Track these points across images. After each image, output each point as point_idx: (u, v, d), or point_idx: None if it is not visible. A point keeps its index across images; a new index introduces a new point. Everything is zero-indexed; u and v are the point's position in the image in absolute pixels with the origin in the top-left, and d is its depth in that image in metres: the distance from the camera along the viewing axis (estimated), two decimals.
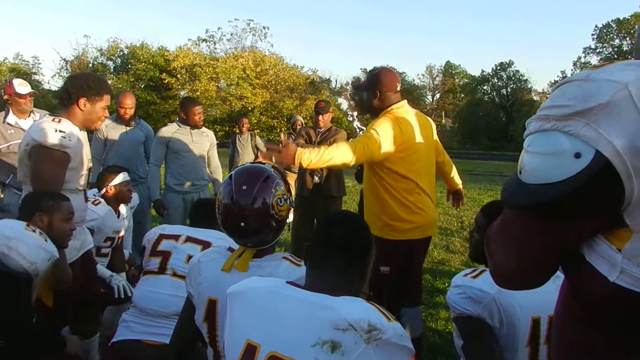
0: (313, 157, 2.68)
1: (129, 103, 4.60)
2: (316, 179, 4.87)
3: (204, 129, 4.68)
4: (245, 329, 1.30)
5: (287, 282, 1.36)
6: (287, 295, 1.31)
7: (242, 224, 1.59)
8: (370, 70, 3.16)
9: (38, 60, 41.47)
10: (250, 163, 1.84)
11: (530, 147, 0.80)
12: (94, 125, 2.76)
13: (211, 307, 1.62)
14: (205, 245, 2.46)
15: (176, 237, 2.52)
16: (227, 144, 8.31)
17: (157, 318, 2.39)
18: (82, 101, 2.63)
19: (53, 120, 2.55)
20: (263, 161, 1.88)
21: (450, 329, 3.68)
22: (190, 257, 2.41)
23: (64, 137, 2.51)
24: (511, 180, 0.84)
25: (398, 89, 3.02)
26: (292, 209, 1.77)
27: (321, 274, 1.37)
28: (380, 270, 2.96)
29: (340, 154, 2.72)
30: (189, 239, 2.51)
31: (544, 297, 1.67)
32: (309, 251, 1.42)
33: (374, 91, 2.95)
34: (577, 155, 0.73)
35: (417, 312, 3.13)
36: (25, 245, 2.11)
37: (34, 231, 2.20)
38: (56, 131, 2.49)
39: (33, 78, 38.68)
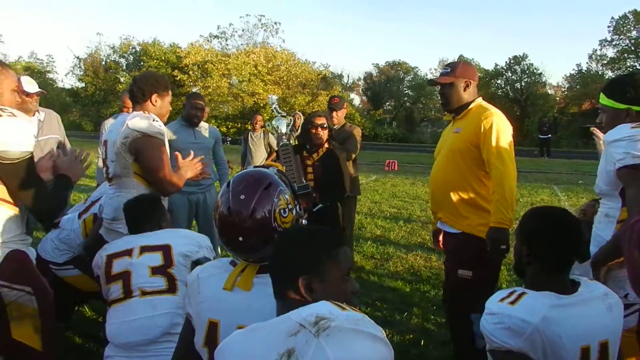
0: (506, 214, 2.58)
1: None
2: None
3: (206, 125, 4.58)
4: None
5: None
6: (256, 328, 1.17)
7: (241, 239, 1.41)
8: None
9: (52, 58, 41.67)
10: (254, 167, 1.65)
11: None
12: (163, 118, 2.88)
13: (212, 329, 1.44)
14: (164, 249, 2.27)
15: (128, 253, 2.31)
16: (239, 141, 8.15)
17: (143, 347, 2.19)
18: (154, 97, 2.80)
19: (143, 112, 2.72)
20: (269, 164, 1.68)
21: None
22: (153, 268, 2.25)
23: (160, 126, 2.69)
24: None
25: None
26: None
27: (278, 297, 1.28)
28: (458, 274, 2.78)
29: (509, 181, 2.63)
30: (144, 249, 2.30)
31: (593, 322, 1.47)
32: None
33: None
34: None
35: None
36: (12, 132, 1.96)
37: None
38: (153, 121, 2.67)
39: (47, 76, 38.84)
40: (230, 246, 1.47)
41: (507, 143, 2.68)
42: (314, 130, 3.80)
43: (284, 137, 3.67)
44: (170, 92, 2.92)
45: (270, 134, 8.17)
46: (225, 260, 1.58)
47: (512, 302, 1.48)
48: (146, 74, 3.02)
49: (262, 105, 30.14)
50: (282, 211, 1.45)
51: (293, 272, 1.22)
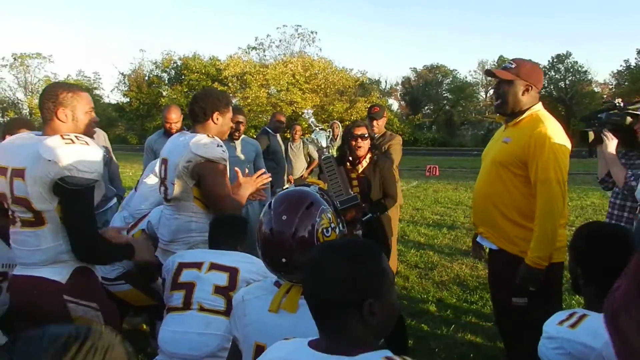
0: (544, 252, 2.34)
1: (174, 117, 4.49)
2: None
3: (248, 137, 4.65)
4: None
5: (309, 342, 1.15)
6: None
7: (284, 260, 1.39)
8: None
9: (99, 75, 43.43)
10: (295, 186, 1.64)
11: None
12: (224, 136, 2.85)
13: (259, 353, 1.42)
14: (232, 272, 2.26)
15: (198, 265, 2.31)
16: None
17: None
18: (215, 115, 2.74)
19: (207, 135, 2.64)
20: (310, 181, 1.66)
21: None
22: (217, 287, 2.24)
23: (224, 151, 2.65)
24: None
25: None
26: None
27: (326, 330, 1.14)
28: (512, 302, 2.49)
29: (554, 215, 2.36)
30: (213, 266, 2.29)
31: None
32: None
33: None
34: None
35: None
36: (82, 160, 2.01)
37: (72, 141, 2.03)
38: (218, 146, 2.62)
39: (94, 93, 40.40)
40: (274, 267, 1.46)
41: (560, 166, 2.38)
42: (354, 142, 3.74)
43: (325, 150, 3.64)
44: (230, 109, 2.85)
45: (310, 144, 8.18)
46: (270, 281, 1.57)
47: (573, 325, 1.39)
48: (206, 91, 2.94)
49: (300, 114, 30.39)
50: (324, 230, 1.44)
51: (352, 301, 1.09)
